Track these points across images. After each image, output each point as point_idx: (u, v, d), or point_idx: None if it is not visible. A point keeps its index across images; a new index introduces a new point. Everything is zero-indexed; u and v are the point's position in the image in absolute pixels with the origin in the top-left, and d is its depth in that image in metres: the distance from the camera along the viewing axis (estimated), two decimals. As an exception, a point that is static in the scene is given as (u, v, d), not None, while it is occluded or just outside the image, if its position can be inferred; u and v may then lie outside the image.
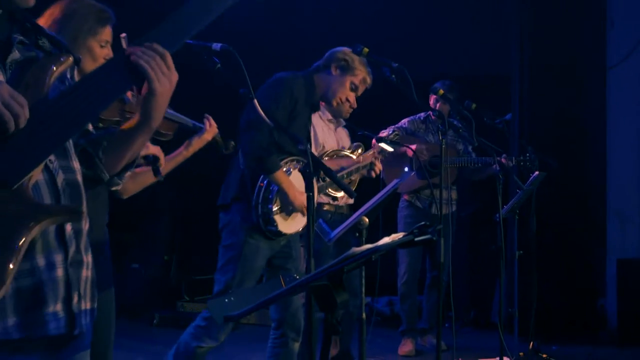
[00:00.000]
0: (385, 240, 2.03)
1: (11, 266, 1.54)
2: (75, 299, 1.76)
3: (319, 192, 4.70)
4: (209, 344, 3.88)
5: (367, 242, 3.04)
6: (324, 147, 4.91)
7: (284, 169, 3.84)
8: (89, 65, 2.74)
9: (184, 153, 3.30)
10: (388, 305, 7.64)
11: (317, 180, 4.72)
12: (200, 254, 8.77)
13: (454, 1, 7.38)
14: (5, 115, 1.56)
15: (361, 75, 4.21)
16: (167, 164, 3.23)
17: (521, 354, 5.48)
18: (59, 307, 1.72)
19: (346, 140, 5.11)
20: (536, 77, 6.88)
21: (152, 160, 2.83)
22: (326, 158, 4.86)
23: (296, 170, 3.90)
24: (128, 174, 2.04)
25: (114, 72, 1.75)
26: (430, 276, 6.22)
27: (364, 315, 3.31)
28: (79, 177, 1.84)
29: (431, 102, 5.94)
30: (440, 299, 4.27)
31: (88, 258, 1.85)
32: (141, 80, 1.77)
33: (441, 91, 5.21)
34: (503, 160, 5.43)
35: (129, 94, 2.91)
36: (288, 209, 3.86)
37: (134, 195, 3.19)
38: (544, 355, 5.59)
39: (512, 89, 7.00)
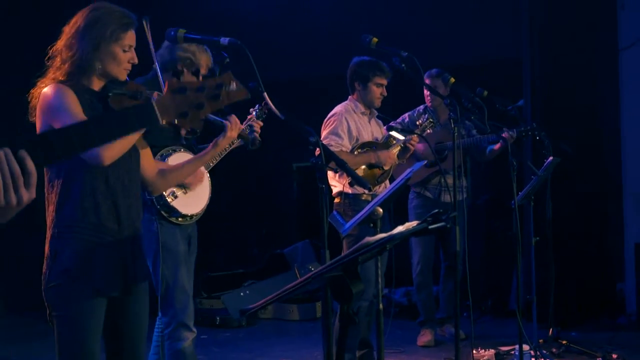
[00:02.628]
0: (400, 229, 2.02)
1: None
2: None
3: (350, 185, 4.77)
4: (188, 337, 3.92)
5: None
6: (357, 139, 5.01)
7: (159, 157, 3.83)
8: (114, 70, 2.84)
9: (211, 152, 3.36)
10: (405, 296, 7.63)
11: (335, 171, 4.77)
12: (217, 250, 8.81)
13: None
14: None
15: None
16: (194, 164, 3.33)
17: (541, 341, 5.45)
18: None
19: (378, 131, 5.21)
20: (547, 62, 6.83)
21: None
22: (358, 150, 4.98)
23: (173, 155, 3.90)
24: None
25: None
26: (445, 265, 6.20)
27: (381, 306, 3.30)
28: None
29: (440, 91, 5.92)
30: (456, 288, 4.25)
31: None
32: None
33: (452, 79, 5.18)
34: (505, 135, 5.41)
35: (155, 94, 2.93)
36: (181, 190, 3.89)
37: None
38: (564, 342, 5.56)
39: (523, 74, 6.95)
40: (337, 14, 7.43)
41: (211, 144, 3.37)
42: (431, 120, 5.29)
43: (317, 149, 2.94)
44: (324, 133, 4.99)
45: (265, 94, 3.22)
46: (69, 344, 2.79)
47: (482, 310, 7.27)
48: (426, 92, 6.08)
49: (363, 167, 4.97)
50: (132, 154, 2.90)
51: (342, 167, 3.10)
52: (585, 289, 6.68)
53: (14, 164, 1.57)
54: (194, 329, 4.00)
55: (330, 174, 4.89)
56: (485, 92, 5.17)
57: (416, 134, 5.16)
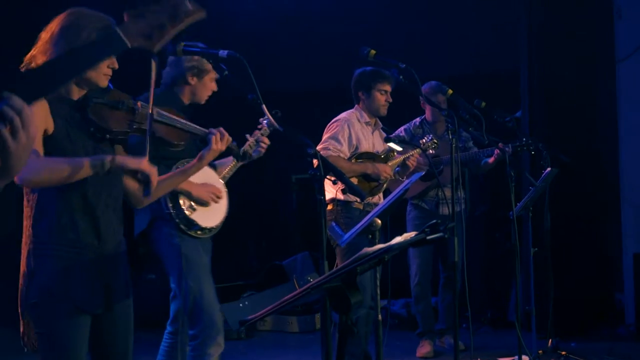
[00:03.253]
0: (398, 239, 2.03)
1: None
2: None
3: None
4: (214, 352, 3.90)
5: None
6: (357, 148, 5.03)
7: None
8: (93, 76, 2.72)
9: (197, 165, 3.26)
10: (404, 307, 7.62)
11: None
12: (216, 263, 8.78)
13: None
14: None
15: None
16: (179, 177, 3.25)
17: (540, 351, 5.44)
18: None
19: (380, 144, 5.23)
20: (545, 73, 6.85)
21: (142, 180, 2.78)
22: (355, 159, 5.01)
23: None
24: None
25: None
26: (444, 276, 6.20)
27: (379, 317, 3.30)
28: None
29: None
30: (455, 298, 4.25)
31: None
32: None
33: (450, 91, 5.20)
34: (499, 149, 5.44)
35: (138, 103, 2.91)
36: (200, 203, 3.89)
37: (123, 202, 3.16)
38: (563, 353, 5.55)
39: (521, 85, 6.97)
40: (335, 26, 7.45)
41: (196, 157, 3.27)
42: (435, 141, 5.28)
43: (315, 160, 2.95)
44: (324, 137, 5.01)
45: (263, 105, 3.23)
46: (55, 358, 2.71)
47: (481, 321, 7.26)
48: (426, 106, 6.09)
49: (357, 177, 4.98)
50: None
51: (340, 178, 3.11)
52: (585, 299, 6.68)
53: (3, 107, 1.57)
54: (222, 343, 3.96)
55: (326, 181, 4.90)
56: (483, 104, 5.19)
57: (420, 148, 5.16)
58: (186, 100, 4.09)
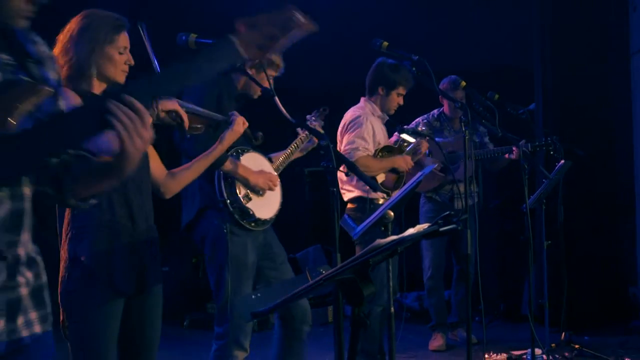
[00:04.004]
0: (410, 231, 2.02)
1: None
2: (1, 324, 1.76)
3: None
4: (238, 356, 3.86)
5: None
6: (379, 143, 5.02)
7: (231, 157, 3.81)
8: (112, 72, 2.88)
9: (219, 147, 3.42)
10: (417, 300, 7.61)
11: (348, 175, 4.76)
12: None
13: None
14: None
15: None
16: (203, 161, 3.38)
17: (553, 345, 5.43)
18: None
19: (386, 136, 5.22)
20: (559, 66, 6.81)
21: (174, 118, 3.00)
22: (380, 154, 4.98)
23: (245, 155, 3.87)
24: (93, 201, 2.01)
25: (87, 121, 1.70)
26: (457, 269, 6.19)
27: (392, 310, 3.30)
28: (26, 205, 1.81)
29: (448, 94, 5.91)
30: (468, 292, 4.24)
31: (27, 275, 1.83)
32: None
33: (463, 83, 5.18)
34: (515, 150, 5.42)
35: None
36: (256, 191, 3.85)
37: (159, 198, 3.23)
38: (576, 346, 5.53)
39: (535, 78, 6.94)
40: (347, 17, 7.43)
41: (217, 140, 3.40)
42: (437, 120, 5.27)
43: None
44: (349, 137, 4.91)
45: (276, 97, 3.24)
46: (86, 348, 2.81)
47: (494, 314, 7.24)
48: (444, 100, 6.08)
49: (385, 172, 4.96)
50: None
51: (353, 170, 3.10)
52: (598, 292, 6.66)
53: (125, 109, 1.68)
54: (248, 348, 3.92)
55: (343, 178, 4.88)
56: (497, 96, 5.17)
57: (428, 135, 5.15)
58: (239, 87, 4.07)
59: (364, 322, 2.06)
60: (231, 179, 3.78)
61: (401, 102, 5.13)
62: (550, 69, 6.84)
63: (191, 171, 3.34)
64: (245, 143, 3.89)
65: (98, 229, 2.81)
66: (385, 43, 4.03)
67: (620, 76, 6.97)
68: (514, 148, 5.55)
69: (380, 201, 4.89)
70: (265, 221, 3.93)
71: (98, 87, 2.90)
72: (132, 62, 2.93)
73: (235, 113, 3.44)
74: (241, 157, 3.83)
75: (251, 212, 3.81)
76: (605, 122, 6.92)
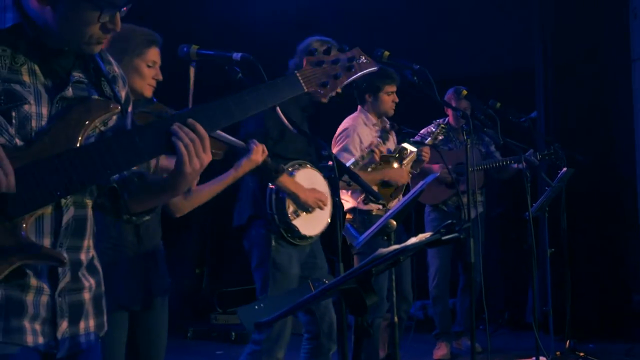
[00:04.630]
0: (413, 240, 2.02)
1: None
2: (64, 325, 1.83)
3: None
4: None
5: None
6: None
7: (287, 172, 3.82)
8: (139, 84, 2.90)
9: (233, 174, 3.36)
10: (421, 309, 7.60)
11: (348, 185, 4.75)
12: (232, 266, 8.80)
13: (474, -1, 7.37)
14: None
15: None
16: (217, 185, 3.34)
17: (558, 353, 5.42)
18: (37, 326, 1.78)
19: (391, 143, 5.16)
20: (560, 73, 6.82)
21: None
22: (372, 166, 4.90)
23: (300, 171, 3.88)
24: (147, 217, 2.10)
25: (153, 139, 1.81)
26: (463, 279, 6.18)
27: (396, 318, 3.30)
28: (89, 212, 1.90)
29: (452, 104, 5.91)
30: (472, 300, 4.23)
31: (91, 281, 1.93)
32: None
33: (464, 91, 5.18)
34: (526, 160, 5.40)
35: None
36: (305, 209, 3.86)
37: (163, 209, 3.23)
38: (581, 354, 5.52)
39: (536, 85, 6.94)
40: (349, 27, 7.44)
41: (233, 167, 3.36)
42: (443, 125, 5.25)
43: (330, 162, 2.94)
44: (335, 150, 4.92)
45: (277, 107, 3.23)
46: None
47: (498, 322, 7.23)
48: (449, 110, 6.06)
49: (376, 185, 4.94)
50: None
51: (356, 180, 3.09)
52: (602, 300, 6.64)
53: (188, 131, 1.80)
54: (282, 359, 3.92)
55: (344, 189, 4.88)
56: (499, 104, 5.16)
57: (428, 146, 5.14)
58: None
59: (367, 331, 2.06)
60: (282, 194, 3.79)
61: (396, 99, 5.06)
62: (552, 76, 6.84)
63: (204, 194, 3.30)
64: (303, 156, 3.90)
65: (102, 245, 2.77)
66: (387, 53, 4.02)
67: (622, 83, 6.97)
68: (525, 156, 5.49)
69: (374, 212, 4.89)
70: (310, 237, 3.95)
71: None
72: (160, 77, 2.95)
73: (255, 141, 3.35)
74: (296, 173, 3.85)
75: (296, 229, 3.84)
76: (607, 128, 6.91)
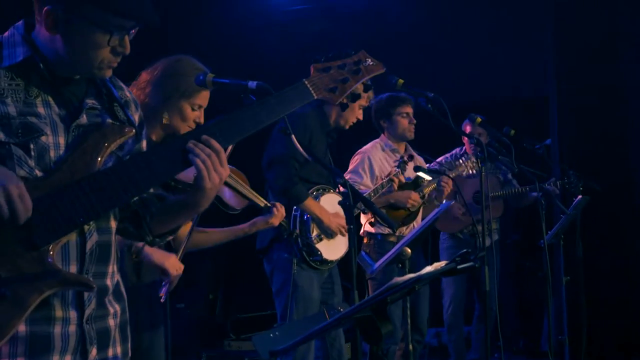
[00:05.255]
0: (428, 269, 2.02)
1: (16, 322, 1.65)
2: (94, 352, 1.83)
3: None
4: None
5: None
6: (381, 178, 4.98)
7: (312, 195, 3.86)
8: (179, 125, 2.82)
9: (246, 230, 3.37)
10: (435, 337, 7.55)
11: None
12: (245, 292, 8.79)
13: (488, 25, 7.37)
14: (4, 211, 1.64)
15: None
16: (227, 234, 3.36)
17: (574, 381, 5.36)
18: (68, 358, 1.79)
19: (411, 171, 5.13)
20: (575, 99, 6.80)
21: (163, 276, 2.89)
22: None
23: (325, 195, 3.91)
24: (169, 237, 2.11)
25: (169, 158, 1.84)
26: (479, 307, 6.14)
27: (410, 347, 3.28)
28: (113, 238, 1.92)
29: (467, 130, 5.91)
30: (488, 329, 4.21)
31: (116, 307, 1.94)
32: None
33: (479, 119, 5.17)
34: (545, 190, 5.37)
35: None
36: (327, 234, 3.87)
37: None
38: (598, 382, 5.46)
39: (550, 111, 6.92)
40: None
41: (248, 223, 3.36)
42: (473, 160, 5.21)
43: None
44: (348, 173, 5.00)
45: (292, 135, 3.24)
46: None
47: (513, 351, 7.17)
48: (465, 139, 6.05)
49: (385, 208, 4.94)
50: None
51: (370, 207, 3.10)
52: (619, 328, 6.57)
53: (203, 147, 1.84)
54: None
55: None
56: (513, 131, 5.16)
57: (444, 175, 5.12)
58: (332, 121, 4.11)
59: (382, 359, 2.05)
60: (306, 216, 3.80)
61: (413, 122, 5.10)
62: (566, 102, 6.82)
63: (210, 239, 3.31)
64: (326, 181, 3.92)
65: None
66: (401, 80, 4.04)
67: (637, 110, 6.95)
68: (545, 185, 5.47)
69: (390, 238, 4.88)
70: (331, 262, 3.99)
71: (157, 135, 2.82)
72: (202, 121, 2.85)
73: (278, 206, 3.37)
74: (321, 197, 3.88)
75: (319, 252, 3.87)
76: (623, 155, 6.88)
